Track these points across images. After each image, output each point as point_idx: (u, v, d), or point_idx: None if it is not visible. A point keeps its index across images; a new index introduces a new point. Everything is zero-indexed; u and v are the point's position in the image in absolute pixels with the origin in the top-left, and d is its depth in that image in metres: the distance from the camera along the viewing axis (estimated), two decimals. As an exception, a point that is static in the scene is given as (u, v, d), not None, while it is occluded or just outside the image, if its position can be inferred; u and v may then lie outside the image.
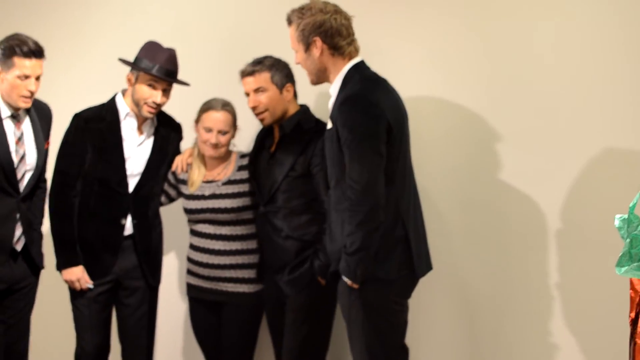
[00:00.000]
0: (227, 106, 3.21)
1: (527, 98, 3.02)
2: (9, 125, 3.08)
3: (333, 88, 2.76)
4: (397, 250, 2.67)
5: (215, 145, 3.19)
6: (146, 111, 3.17)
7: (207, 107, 3.21)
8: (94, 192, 3.21)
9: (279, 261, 3.11)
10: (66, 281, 3.23)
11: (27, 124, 3.16)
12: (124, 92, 3.26)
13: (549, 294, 3.03)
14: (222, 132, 3.18)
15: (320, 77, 2.80)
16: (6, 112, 3.08)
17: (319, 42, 2.71)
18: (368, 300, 2.68)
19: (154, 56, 3.13)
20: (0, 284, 3.12)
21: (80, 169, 3.19)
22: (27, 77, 3.01)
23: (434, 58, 3.16)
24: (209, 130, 3.18)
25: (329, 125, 2.74)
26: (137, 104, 3.18)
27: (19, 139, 3.11)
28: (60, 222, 3.20)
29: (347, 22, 2.74)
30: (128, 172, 3.22)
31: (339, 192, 2.69)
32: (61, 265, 3.22)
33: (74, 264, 3.20)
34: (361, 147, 2.58)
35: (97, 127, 3.19)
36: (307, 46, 2.73)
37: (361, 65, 2.76)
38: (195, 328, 3.39)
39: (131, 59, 3.22)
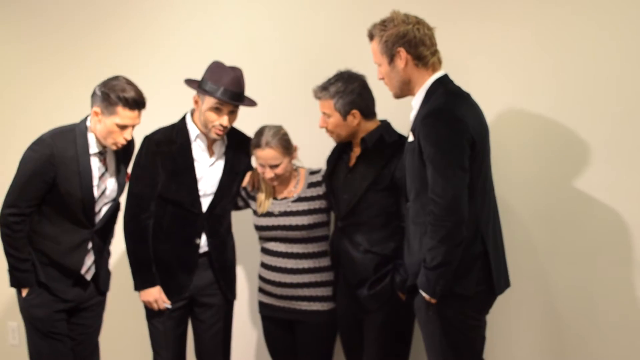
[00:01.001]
0: (270, 143, 3.13)
1: (609, 107, 2.98)
2: (94, 162, 3.13)
3: (416, 101, 2.74)
4: (476, 266, 2.63)
5: (271, 179, 3.20)
6: (214, 133, 3.16)
7: (254, 142, 3.18)
8: (168, 213, 3.21)
9: (357, 276, 3.08)
10: (144, 302, 3.24)
11: (111, 159, 3.20)
12: (192, 112, 3.25)
13: (638, 309, 2.96)
14: (273, 166, 3.17)
15: (403, 89, 2.77)
16: (94, 149, 3.13)
17: (403, 52, 2.68)
18: (445, 315, 2.65)
19: (218, 78, 3.10)
20: (68, 303, 3.19)
21: (154, 191, 3.19)
22: (126, 126, 3.05)
23: (511, 69, 3.15)
24: (262, 165, 3.19)
25: (410, 138, 2.71)
26: (204, 126, 3.16)
27: (102, 175, 3.15)
28: (136, 244, 3.20)
29: (430, 32, 2.72)
30: (201, 193, 3.22)
31: (418, 205, 2.67)
32: (139, 287, 3.22)
33: (151, 284, 3.21)
34: (445, 161, 2.54)
35: (168, 149, 3.19)
36: (391, 58, 2.71)
37: (445, 79, 2.73)
38: (270, 346, 3.39)
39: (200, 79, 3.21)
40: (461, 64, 3.11)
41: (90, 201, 3.10)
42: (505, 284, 2.77)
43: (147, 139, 3.23)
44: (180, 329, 3.32)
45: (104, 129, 3.05)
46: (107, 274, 3.33)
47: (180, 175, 3.19)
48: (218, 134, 3.16)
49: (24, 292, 3.11)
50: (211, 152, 3.26)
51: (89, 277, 3.20)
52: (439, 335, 2.66)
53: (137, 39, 3.94)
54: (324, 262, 3.24)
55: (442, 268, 2.55)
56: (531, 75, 3.11)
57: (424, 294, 2.63)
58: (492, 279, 2.66)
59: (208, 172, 3.24)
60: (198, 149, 3.23)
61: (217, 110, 3.11)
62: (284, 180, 3.25)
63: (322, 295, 3.22)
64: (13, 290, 3.18)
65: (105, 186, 3.16)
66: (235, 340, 3.50)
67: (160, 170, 3.18)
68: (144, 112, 3.11)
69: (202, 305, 3.31)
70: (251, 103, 3.20)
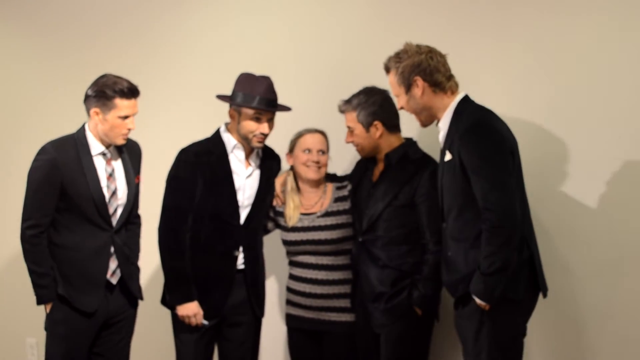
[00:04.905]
0: (319, 130, 3.29)
1: (632, 124, 2.96)
2: (99, 162, 3.14)
3: (443, 122, 2.82)
4: (524, 271, 2.72)
5: (317, 163, 3.24)
6: (256, 142, 3.18)
7: (301, 132, 3.29)
8: (205, 226, 3.19)
9: (374, 290, 3.12)
10: (181, 317, 3.19)
11: (117, 160, 3.21)
12: (226, 125, 3.27)
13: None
14: (321, 152, 3.25)
15: (427, 116, 2.86)
16: (96, 150, 3.14)
17: (419, 81, 2.77)
18: (498, 320, 2.71)
19: (252, 88, 3.13)
20: (93, 319, 3.14)
21: (192, 203, 3.16)
22: (127, 116, 3.07)
23: (536, 85, 3.14)
24: (309, 150, 3.24)
25: (448, 157, 2.76)
26: (245, 137, 3.18)
27: (110, 175, 3.15)
28: (173, 259, 3.17)
29: (443, 59, 2.82)
30: (239, 204, 3.22)
31: (461, 222, 2.75)
32: (176, 301, 3.19)
33: (190, 299, 3.18)
34: (495, 171, 2.64)
35: (206, 160, 3.19)
36: (408, 87, 2.80)
37: (469, 99, 2.83)
38: (295, 358, 3.41)
39: (225, 92, 3.24)
40: (480, 83, 3.14)
41: (102, 201, 3.11)
42: (545, 288, 2.83)
43: (184, 151, 3.23)
44: (210, 347, 3.31)
45: (107, 125, 3.08)
46: (139, 287, 3.30)
47: (219, 186, 3.19)
48: (260, 143, 3.19)
49: (48, 308, 3.12)
50: (247, 163, 3.27)
51: (114, 280, 3.17)
52: (490, 341, 2.71)
53: (156, 58, 3.95)
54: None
55: (501, 273, 2.63)
56: (556, 91, 3.10)
57: (478, 300, 2.69)
58: (538, 282, 2.76)
59: (245, 183, 3.25)
60: (235, 159, 3.24)
61: (256, 119, 3.14)
62: (315, 189, 3.30)
63: (351, 306, 3.26)
64: (32, 307, 3.16)
65: (116, 187, 3.17)
66: (260, 354, 3.48)
67: (199, 181, 3.17)
68: (166, 131, 3.11)
69: (233, 324, 3.29)
70: (286, 108, 3.24)
